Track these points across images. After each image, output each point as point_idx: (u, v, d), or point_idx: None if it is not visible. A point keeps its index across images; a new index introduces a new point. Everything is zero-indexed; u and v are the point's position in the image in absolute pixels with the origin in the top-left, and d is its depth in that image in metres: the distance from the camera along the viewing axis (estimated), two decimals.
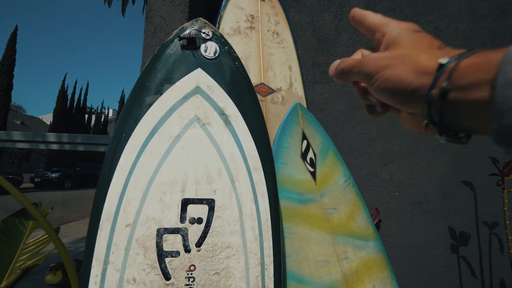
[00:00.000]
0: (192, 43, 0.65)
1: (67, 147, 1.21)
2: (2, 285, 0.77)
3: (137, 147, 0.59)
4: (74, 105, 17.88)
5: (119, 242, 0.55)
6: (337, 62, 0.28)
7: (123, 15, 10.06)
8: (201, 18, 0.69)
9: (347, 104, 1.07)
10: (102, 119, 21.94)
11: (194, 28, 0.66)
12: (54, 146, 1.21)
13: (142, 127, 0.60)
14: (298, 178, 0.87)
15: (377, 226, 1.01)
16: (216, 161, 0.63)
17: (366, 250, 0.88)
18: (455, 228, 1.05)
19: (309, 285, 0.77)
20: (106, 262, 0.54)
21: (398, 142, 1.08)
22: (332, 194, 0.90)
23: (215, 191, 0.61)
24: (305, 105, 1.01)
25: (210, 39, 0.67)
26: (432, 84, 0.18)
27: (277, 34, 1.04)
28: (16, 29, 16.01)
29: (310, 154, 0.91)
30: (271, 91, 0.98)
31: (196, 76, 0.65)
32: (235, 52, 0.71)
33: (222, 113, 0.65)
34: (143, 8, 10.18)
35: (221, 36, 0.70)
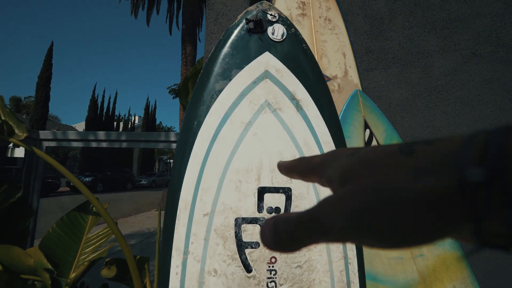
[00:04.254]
0: (259, 26, 0.63)
1: (116, 144, 1.25)
2: (71, 276, 0.79)
3: (210, 134, 0.57)
4: (104, 113, 19.00)
5: (198, 231, 0.53)
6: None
7: (148, 24, 10.54)
8: (265, 1, 0.67)
9: (406, 91, 0.99)
10: (129, 126, 23.10)
11: (260, 11, 0.64)
12: (104, 144, 1.26)
13: (213, 114, 0.58)
14: None
15: None
16: (290, 147, 0.59)
17: (442, 247, 0.80)
18: None
19: (384, 283, 0.71)
20: (186, 252, 0.52)
21: (467, 130, 0.98)
22: None
23: (291, 180, 0.58)
24: None
25: (276, 21, 0.64)
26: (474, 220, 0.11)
27: (329, 20, 0.99)
28: (52, 45, 17.39)
29: (374, 144, 0.84)
30: (327, 79, 0.93)
31: (265, 60, 0.62)
32: (301, 34, 0.67)
33: (292, 98, 0.62)
34: (166, 17, 10.59)
35: (287, 18, 0.66)
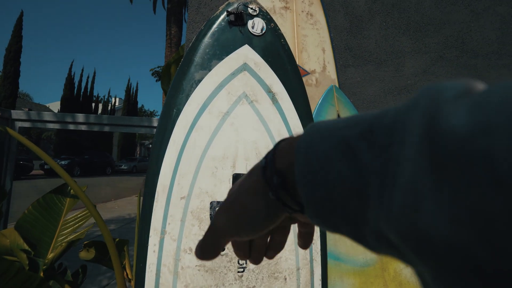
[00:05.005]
0: (239, 19, 0.64)
1: (96, 128, 1.23)
2: (49, 257, 0.80)
3: (189, 122, 0.60)
4: (81, 93, 17.97)
5: (175, 213, 0.56)
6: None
7: (131, 1, 9.92)
8: None
9: (378, 89, 1.06)
10: (109, 108, 22.08)
11: (241, 4, 0.65)
12: (83, 127, 1.23)
13: (192, 103, 0.61)
14: None
15: None
16: (264, 138, 0.63)
17: None
18: None
19: (345, 263, 0.79)
20: (163, 232, 0.55)
21: None
22: None
23: None
24: None
25: (257, 15, 0.66)
26: (270, 189, 0.18)
27: (311, 15, 1.02)
28: (21, 14, 15.86)
29: None
30: (305, 73, 0.97)
31: (244, 53, 0.65)
32: (280, 30, 0.70)
33: (269, 91, 0.65)
34: None
35: (267, 12, 0.69)
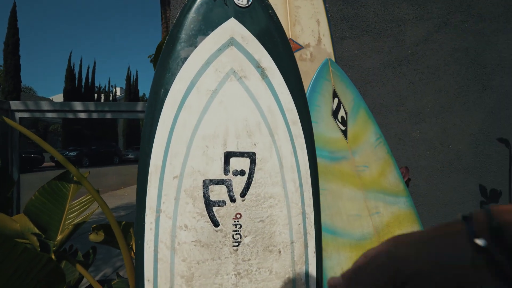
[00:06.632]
0: None
1: (94, 115, 1.23)
2: (58, 239, 0.84)
3: (177, 102, 0.59)
4: (83, 84, 17.95)
5: (168, 192, 0.57)
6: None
7: None
8: None
9: (377, 61, 1.02)
10: (111, 98, 22.08)
11: None
12: (82, 115, 1.24)
13: (179, 82, 0.60)
14: (329, 136, 0.86)
15: (406, 185, 1.01)
16: (254, 115, 0.62)
17: (397, 206, 0.90)
18: (486, 186, 1.04)
19: (342, 237, 0.80)
20: (158, 210, 0.57)
21: (431, 99, 1.04)
22: (364, 152, 0.90)
23: (255, 145, 0.62)
24: None
25: None
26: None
27: None
28: (14, 6, 15.50)
29: (341, 113, 0.89)
30: (299, 47, 0.94)
31: (230, 27, 0.62)
32: (267, 0, 0.66)
33: (258, 66, 0.63)
34: None
35: None
